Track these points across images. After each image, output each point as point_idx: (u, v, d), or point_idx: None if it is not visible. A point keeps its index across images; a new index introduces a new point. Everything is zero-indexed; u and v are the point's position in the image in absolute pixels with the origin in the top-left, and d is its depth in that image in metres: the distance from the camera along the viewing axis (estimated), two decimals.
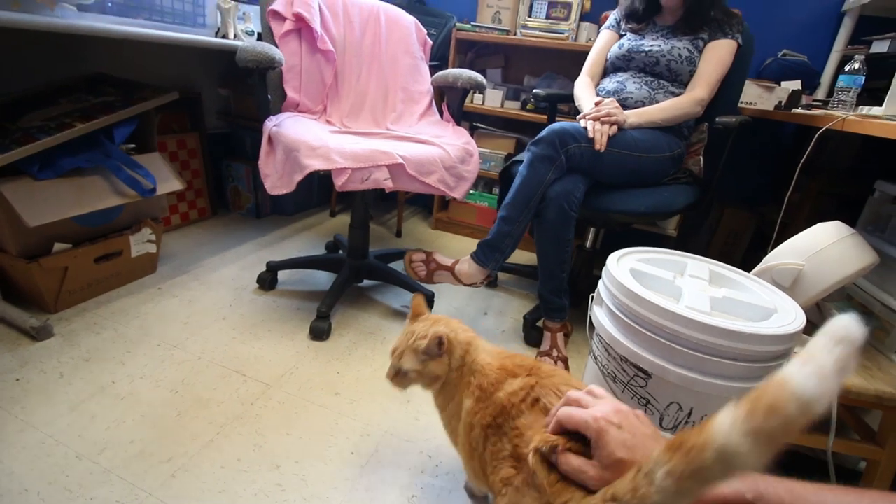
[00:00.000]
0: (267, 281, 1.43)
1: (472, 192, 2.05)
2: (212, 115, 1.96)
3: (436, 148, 1.29)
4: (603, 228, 1.57)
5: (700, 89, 1.29)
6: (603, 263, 0.90)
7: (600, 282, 0.91)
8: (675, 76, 1.33)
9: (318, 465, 0.86)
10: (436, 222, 2.16)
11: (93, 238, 1.24)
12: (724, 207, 1.86)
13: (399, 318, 1.37)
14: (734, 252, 1.86)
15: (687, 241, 1.82)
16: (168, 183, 1.36)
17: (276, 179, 1.16)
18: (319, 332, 1.22)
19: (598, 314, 0.90)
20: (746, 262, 1.77)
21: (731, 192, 1.92)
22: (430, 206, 2.21)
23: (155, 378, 1.02)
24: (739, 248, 1.87)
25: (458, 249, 1.94)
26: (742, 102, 1.57)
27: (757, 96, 1.60)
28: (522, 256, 1.91)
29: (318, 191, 2.21)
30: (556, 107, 1.58)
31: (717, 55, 1.30)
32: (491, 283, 1.64)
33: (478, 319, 1.41)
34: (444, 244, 2.01)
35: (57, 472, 0.78)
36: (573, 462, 0.44)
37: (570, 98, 1.50)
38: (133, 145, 1.39)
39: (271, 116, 1.27)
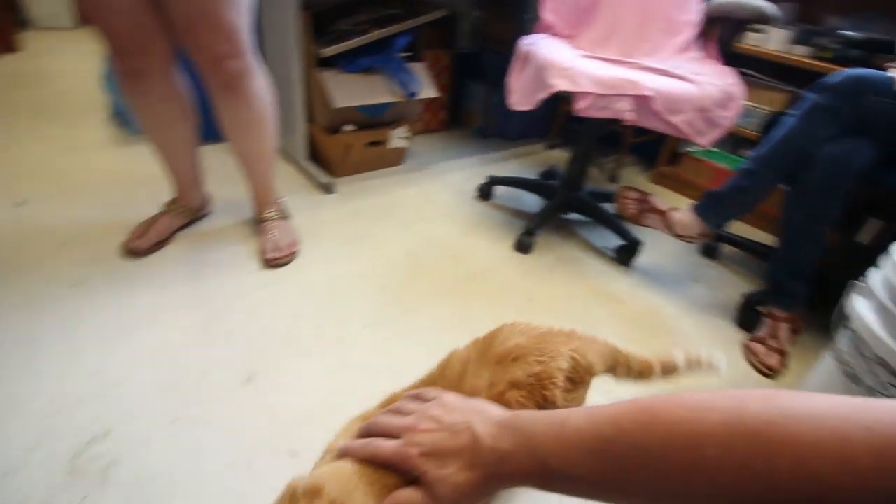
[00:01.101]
0: (485, 191, 1.59)
1: (713, 148, 1.80)
2: (464, 35, 2.13)
3: (691, 85, 1.17)
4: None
5: None
6: (875, 266, 0.74)
7: (874, 271, 0.75)
8: None
9: None
10: (658, 176, 1.99)
11: (368, 126, 1.54)
12: None
13: (598, 256, 1.37)
14: None
15: None
16: (427, 90, 1.58)
17: (521, 96, 1.23)
18: (524, 246, 1.32)
19: (860, 306, 0.75)
20: None
21: None
22: (653, 157, 2.04)
23: (396, 240, 1.29)
24: None
25: None
26: None
27: None
28: (756, 234, 1.65)
29: (540, 121, 2.25)
30: (870, 58, 1.23)
31: None
32: (709, 251, 1.48)
33: (685, 286, 1.31)
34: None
35: (334, 286, 1.09)
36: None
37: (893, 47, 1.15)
38: (407, 54, 1.64)
39: (526, 36, 1.32)
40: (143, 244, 1.08)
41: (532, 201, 1.63)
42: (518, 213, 1.55)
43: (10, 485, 0.65)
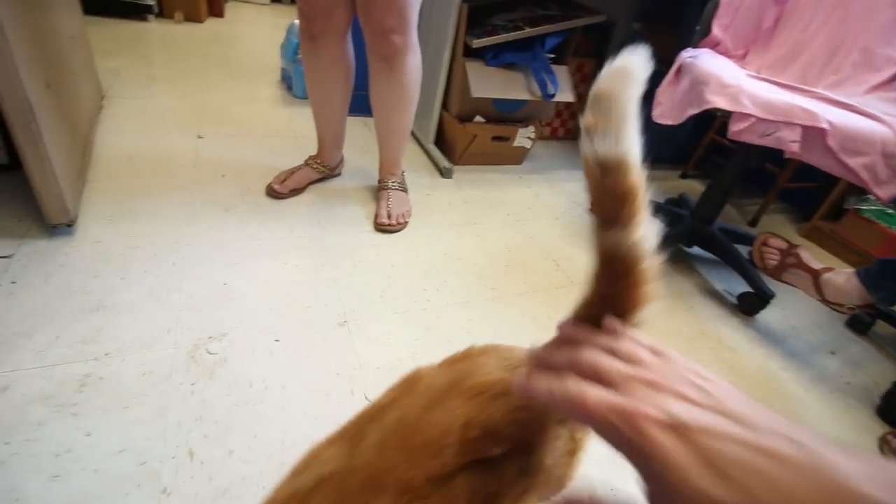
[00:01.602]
0: None
1: (890, 208, 1.51)
2: (616, 45, 2.05)
3: (881, 126, 0.99)
4: None
5: None
6: None
7: None
8: None
9: None
10: (811, 230, 1.73)
11: (497, 121, 1.56)
12: None
13: (716, 298, 1.23)
14: None
15: None
16: (565, 94, 1.55)
17: (668, 108, 1.15)
18: None
19: None
20: None
21: None
22: (809, 207, 1.77)
23: (500, 233, 1.30)
24: None
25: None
26: None
27: None
28: None
29: (679, 145, 2.08)
30: None
31: None
32: (858, 324, 1.24)
33: (817, 355, 1.12)
34: None
35: (434, 261, 1.13)
36: None
37: None
38: (553, 56, 1.62)
39: (688, 48, 1.23)
40: (283, 189, 1.22)
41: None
42: None
43: (146, 354, 0.78)
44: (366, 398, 0.79)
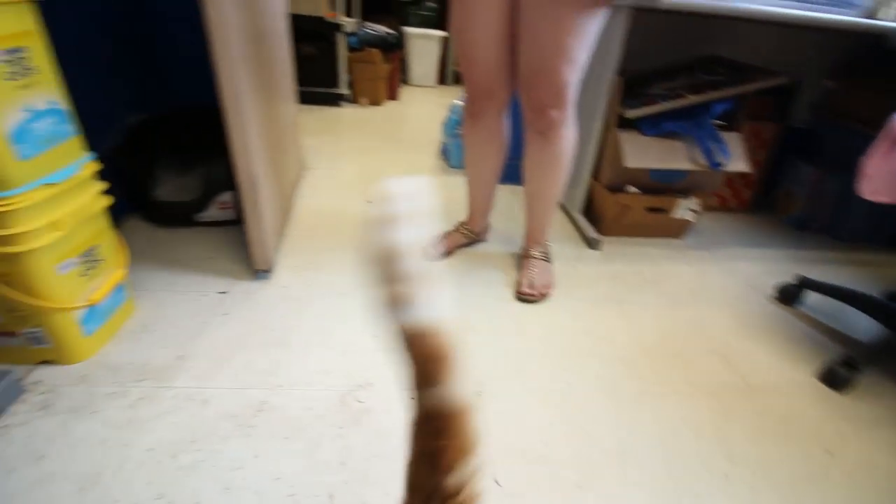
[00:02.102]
0: (790, 294, 1.27)
1: None
2: (801, 107, 1.80)
3: None
4: None
5: None
6: None
7: None
8: None
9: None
10: None
11: (653, 191, 1.47)
12: None
13: None
14: None
15: None
16: (737, 163, 1.40)
17: (881, 185, 0.95)
18: (838, 379, 0.99)
19: None
20: None
21: None
22: None
23: (652, 316, 1.18)
24: None
25: None
26: None
27: None
28: None
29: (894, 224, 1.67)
30: None
31: None
32: None
33: None
34: None
35: (574, 340, 1.08)
36: None
37: None
38: (723, 122, 1.50)
39: None
40: (435, 252, 1.32)
41: (862, 325, 1.21)
42: (835, 334, 1.18)
43: (308, 391, 0.88)
44: (496, 483, 0.75)
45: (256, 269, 1.17)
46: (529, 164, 1.18)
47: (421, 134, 2.46)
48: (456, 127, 1.94)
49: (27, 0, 0.74)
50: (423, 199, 0.29)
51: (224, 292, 1.12)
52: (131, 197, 1.42)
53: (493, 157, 1.25)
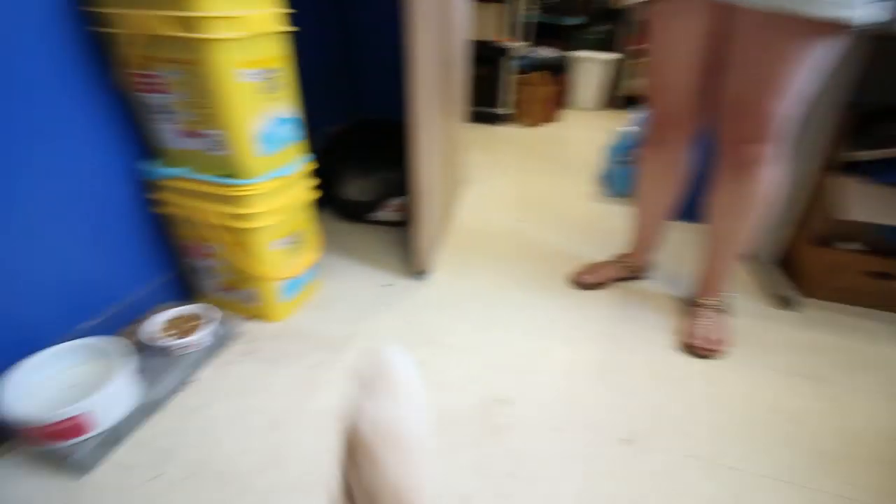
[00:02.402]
0: None
1: None
2: None
3: None
4: None
5: None
6: None
7: None
8: None
9: None
10: None
11: (882, 252, 1.20)
12: None
13: None
14: None
15: None
16: None
17: None
18: None
19: None
20: None
21: None
22: None
23: (868, 407, 0.95)
24: None
25: None
26: None
27: None
28: None
29: None
30: None
31: None
32: None
33: None
34: None
35: (752, 416, 0.94)
36: None
37: None
38: None
39: None
40: (589, 280, 1.27)
41: None
42: None
43: (453, 394, 0.92)
44: None
45: (416, 269, 1.27)
46: (718, 203, 1.05)
47: (579, 158, 2.41)
48: (623, 153, 1.86)
49: (285, 31, 0.93)
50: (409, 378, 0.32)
51: (390, 285, 1.25)
52: (325, 194, 1.68)
53: (669, 189, 1.16)
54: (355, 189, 1.74)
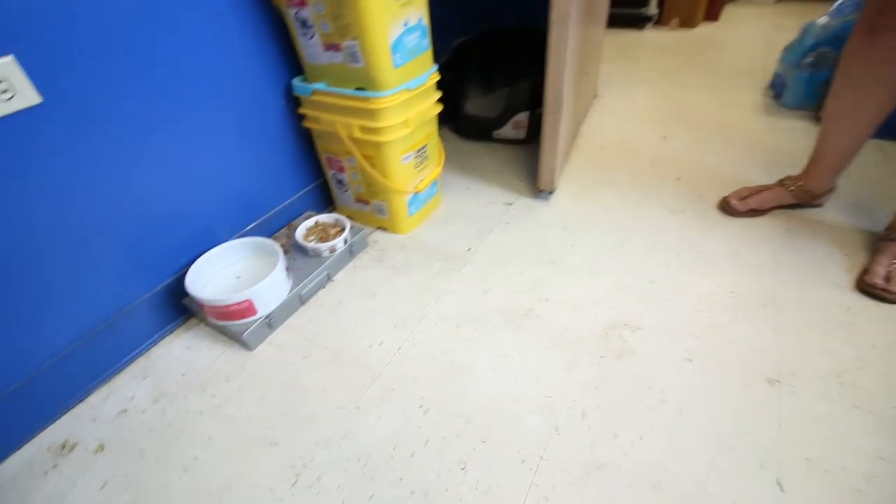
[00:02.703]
0: None
1: None
2: None
3: None
4: None
5: None
6: None
7: None
8: None
9: None
10: None
11: None
12: None
13: None
14: None
15: None
16: None
17: None
18: None
19: None
20: None
21: None
22: None
23: None
24: None
25: None
26: None
27: None
28: None
29: None
30: None
31: None
32: None
33: None
34: None
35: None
36: None
37: None
38: None
39: None
40: (740, 206, 1.09)
41: None
42: None
43: (571, 313, 0.90)
44: (778, 486, 0.62)
45: (540, 188, 1.21)
46: None
47: (743, 63, 1.99)
48: (806, 53, 1.48)
49: None
50: None
51: (509, 203, 1.22)
52: (447, 109, 1.65)
53: (881, 90, 0.89)
54: (477, 105, 1.68)
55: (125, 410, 0.80)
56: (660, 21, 2.61)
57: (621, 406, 0.73)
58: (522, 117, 1.44)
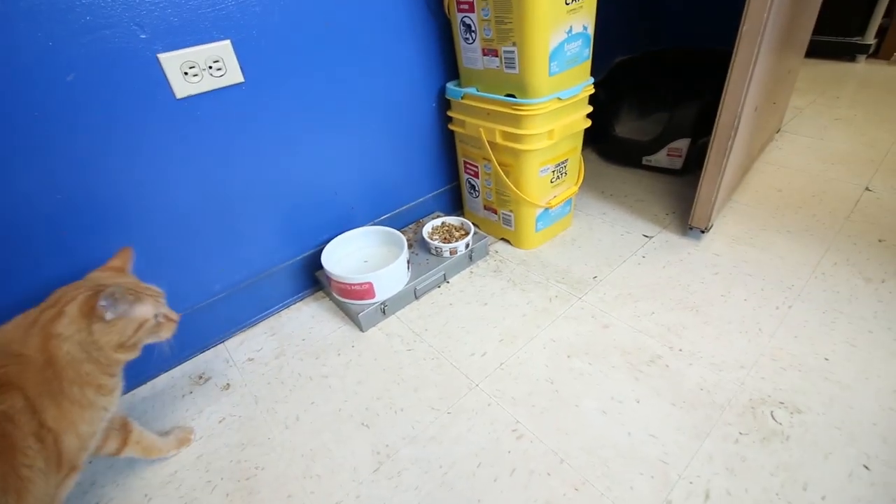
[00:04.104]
0: None
1: None
2: None
3: None
4: None
5: None
6: None
7: None
8: None
9: None
10: None
11: None
12: None
13: None
14: None
15: None
16: None
17: None
18: None
19: None
20: None
21: None
22: None
23: None
24: None
25: None
26: None
27: None
28: None
29: None
30: None
31: None
32: None
33: None
34: None
35: None
36: None
37: None
38: None
39: None
40: None
41: None
42: None
43: (712, 372, 0.76)
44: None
45: (692, 224, 1.06)
46: None
47: None
48: None
49: None
50: None
51: (649, 236, 1.09)
52: (595, 128, 1.57)
53: None
54: (629, 128, 1.56)
55: (252, 359, 0.89)
56: (877, 53, 2.16)
57: (759, 499, 0.59)
58: (681, 145, 1.29)
